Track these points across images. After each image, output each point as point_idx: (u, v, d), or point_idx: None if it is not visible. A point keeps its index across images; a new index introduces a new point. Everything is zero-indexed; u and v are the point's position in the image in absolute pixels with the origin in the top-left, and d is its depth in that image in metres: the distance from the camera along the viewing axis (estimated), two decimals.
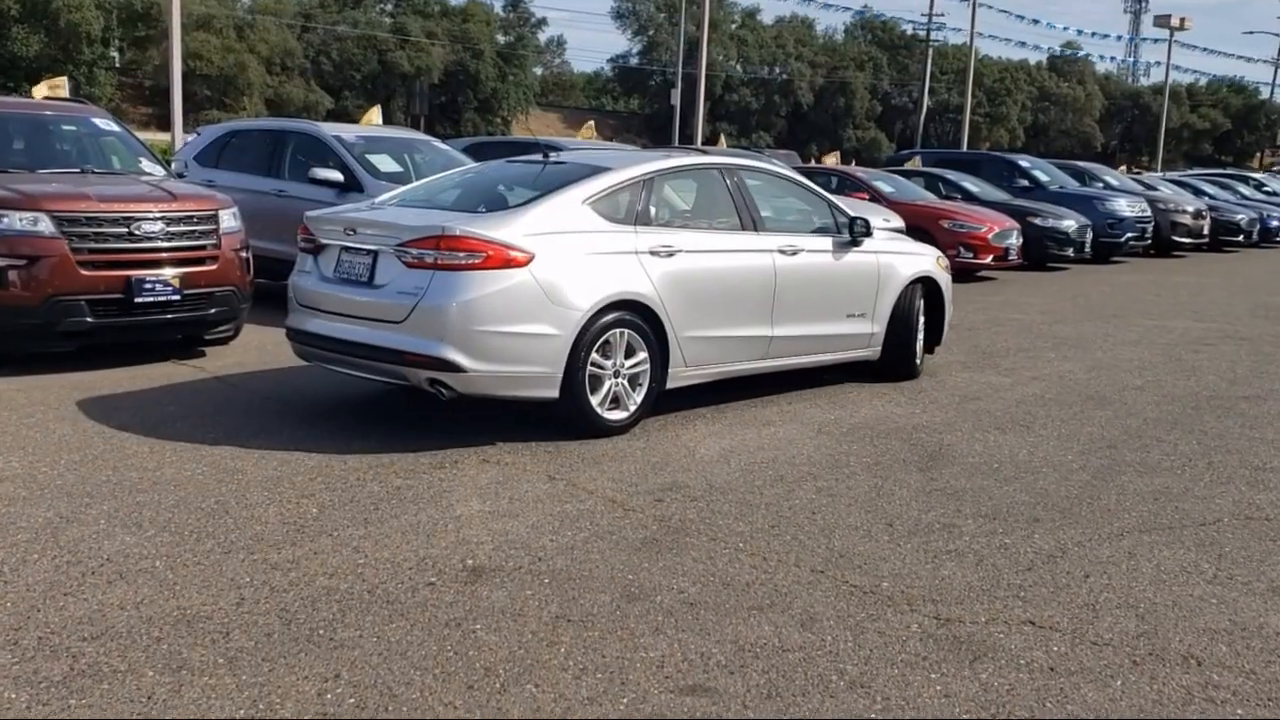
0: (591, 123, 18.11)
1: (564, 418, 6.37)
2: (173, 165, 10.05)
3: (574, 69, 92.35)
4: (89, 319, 7.65)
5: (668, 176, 7.03)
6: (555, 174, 6.89)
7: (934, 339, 8.75)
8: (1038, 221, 17.93)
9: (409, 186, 7.55)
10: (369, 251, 6.29)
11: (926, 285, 8.50)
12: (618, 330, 6.40)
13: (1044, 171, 21.27)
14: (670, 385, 6.79)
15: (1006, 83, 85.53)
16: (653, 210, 6.82)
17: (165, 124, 23.01)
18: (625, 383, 6.51)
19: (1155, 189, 23.93)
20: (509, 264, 5.99)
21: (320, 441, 6.14)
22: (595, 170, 6.74)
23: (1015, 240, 16.23)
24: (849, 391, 7.98)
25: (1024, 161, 21.67)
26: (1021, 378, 8.78)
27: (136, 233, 7.80)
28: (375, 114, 13.29)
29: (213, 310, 8.25)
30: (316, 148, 10.99)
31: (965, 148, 41.65)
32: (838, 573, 4.48)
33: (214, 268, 8.23)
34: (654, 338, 6.58)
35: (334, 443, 6.12)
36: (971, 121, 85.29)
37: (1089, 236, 18.66)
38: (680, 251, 6.72)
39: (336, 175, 10.42)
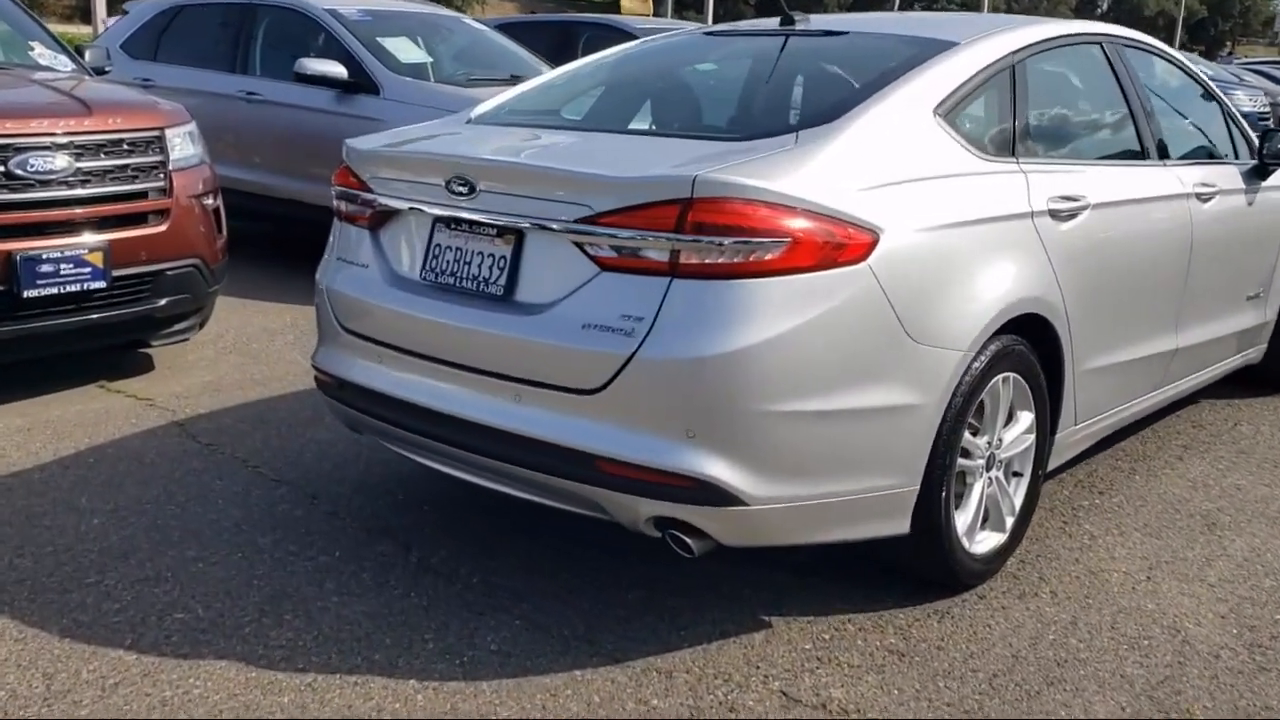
0: None
1: (906, 563, 3.15)
2: (87, 56, 6.43)
3: None
4: None
5: (1040, 58, 3.67)
6: (836, 57, 3.55)
7: None
8: None
9: (513, 93, 4.08)
10: (504, 230, 2.92)
11: None
12: (1000, 377, 3.14)
13: None
14: (1052, 465, 3.57)
15: None
16: (1032, 125, 3.53)
17: (89, 16, 18.76)
18: (1000, 476, 3.27)
19: (1243, 79, 20.71)
20: (836, 258, 2.68)
21: (401, 618, 2.89)
22: (930, 48, 3.34)
23: None
24: (1232, 420, 4.80)
25: None
26: None
27: (23, 173, 4.38)
28: None
29: (163, 300, 4.84)
30: (303, 28, 7.41)
31: None
32: None
33: (162, 229, 4.81)
34: (1043, 381, 3.34)
35: (428, 619, 2.87)
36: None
37: None
38: (1087, 206, 3.44)
39: (337, 69, 6.90)
